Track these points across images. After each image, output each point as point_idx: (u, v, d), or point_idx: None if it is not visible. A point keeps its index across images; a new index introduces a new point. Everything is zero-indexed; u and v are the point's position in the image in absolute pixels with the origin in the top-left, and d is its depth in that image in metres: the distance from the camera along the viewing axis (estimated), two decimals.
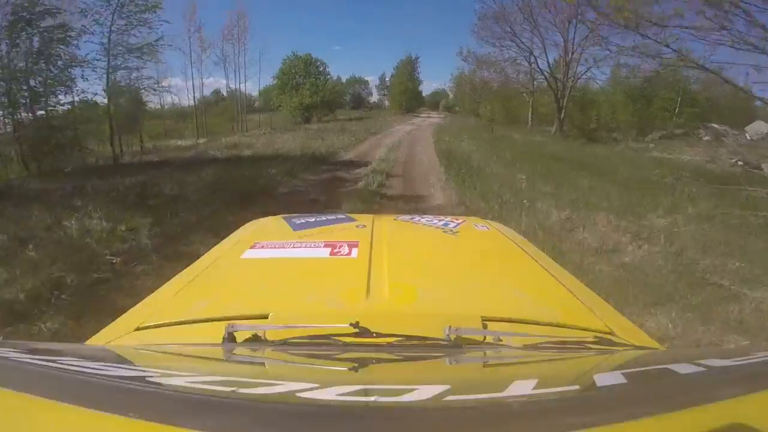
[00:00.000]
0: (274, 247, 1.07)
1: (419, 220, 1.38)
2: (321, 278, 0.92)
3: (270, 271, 0.98)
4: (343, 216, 1.37)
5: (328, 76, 27.68)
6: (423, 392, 0.37)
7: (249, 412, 0.33)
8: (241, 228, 1.41)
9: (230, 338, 0.64)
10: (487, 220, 1.55)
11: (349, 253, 0.99)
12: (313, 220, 1.32)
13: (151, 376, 0.44)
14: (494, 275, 1.00)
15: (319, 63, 27.23)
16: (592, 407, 0.36)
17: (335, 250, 1.00)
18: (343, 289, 0.84)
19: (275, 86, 25.82)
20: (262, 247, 1.07)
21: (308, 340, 0.66)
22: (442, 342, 0.64)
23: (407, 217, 1.44)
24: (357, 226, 1.25)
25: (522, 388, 0.40)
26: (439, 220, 1.36)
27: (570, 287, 0.94)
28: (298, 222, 1.29)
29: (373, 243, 1.07)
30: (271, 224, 1.42)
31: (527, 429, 0.33)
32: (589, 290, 0.98)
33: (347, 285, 0.86)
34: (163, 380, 0.43)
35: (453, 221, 1.36)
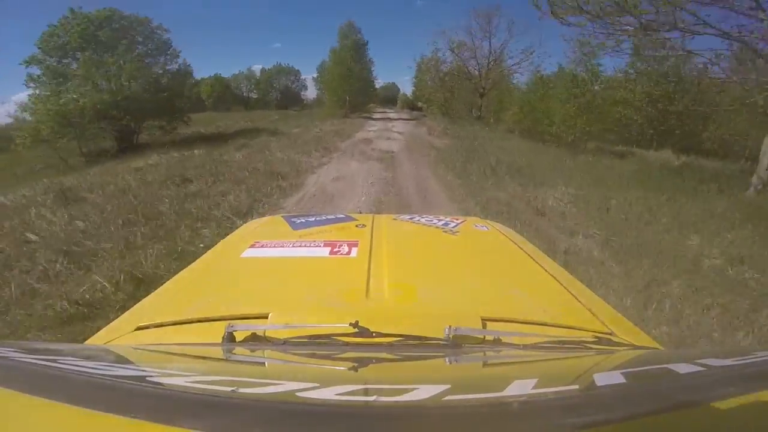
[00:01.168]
0: (274, 247, 1.07)
1: (419, 220, 1.38)
2: (321, 278, 0.92)
3: (270, 271, 0.97)
4: (342, 215, 1.37)
5: (170, 50, 13.72)
6: (423, 392, 0.37)
7: (249, 412, 0.33)
8: (241, 227, 1.41)
9: (230, 338, 0.64)
10: (487, 220, 1.55)
11: (349, 253, 0.99)
12: (313, 219, 1.32)
13: (151, 376, 0.44)
14: (494, 275, 1.00)
15: (140, 25, 13.03)
16: (592, 407, 0.36)
17: (335, 250, 1.00)
18: (342, 289, 0.84)
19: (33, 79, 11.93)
20: (262, 246, 1.07)
21: (308, 340, 0.66)
22: (441, 342, 0.64)
23: (407, 216, 1.44)
24: (357, 226, 1.25)
25: (522, 387, 0.40)
26: (439, 220, 1.36)
27: (569, 287, 0.94)
28: (298, 221, 1.29)
29: (372, 242, 1.07)
30: (271, 223, 1.42)
31: (527, 429, 0.33)
32: (589, 290, 0.98)
33: (347, 284, 0.86)
34: (163, 380, 0.42)
35: (453, 221, 1.36)
